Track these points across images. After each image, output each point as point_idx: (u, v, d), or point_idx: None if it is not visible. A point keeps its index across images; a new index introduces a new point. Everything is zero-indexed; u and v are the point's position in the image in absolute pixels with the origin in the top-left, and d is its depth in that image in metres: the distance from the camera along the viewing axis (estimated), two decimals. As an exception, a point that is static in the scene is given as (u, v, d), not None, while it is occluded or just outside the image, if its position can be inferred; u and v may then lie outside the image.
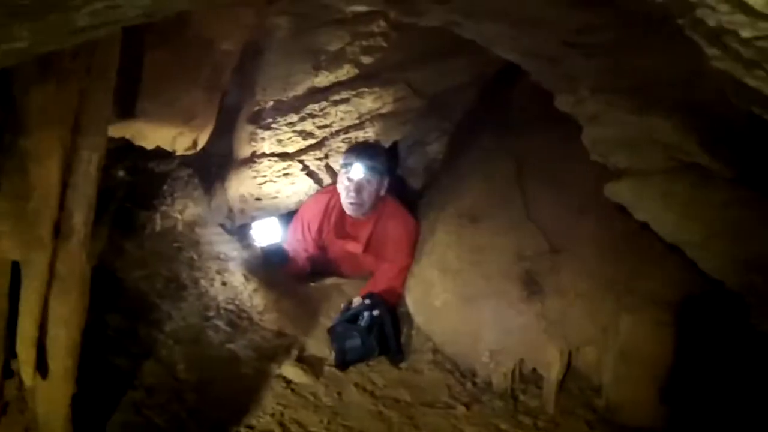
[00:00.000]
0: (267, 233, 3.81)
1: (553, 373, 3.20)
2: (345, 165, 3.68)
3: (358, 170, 3.62)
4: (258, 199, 3.74)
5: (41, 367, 2.34)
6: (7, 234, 2.38)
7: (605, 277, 3.24)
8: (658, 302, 3.21)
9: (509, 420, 3.12)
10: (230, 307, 3.31)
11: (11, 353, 2.51)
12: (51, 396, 2.38)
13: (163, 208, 3.64)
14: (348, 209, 3.74)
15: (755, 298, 2.38)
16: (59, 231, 2.32)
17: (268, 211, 3.83)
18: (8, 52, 1.57)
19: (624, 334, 3.22)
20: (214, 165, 3.81)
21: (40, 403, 2.40)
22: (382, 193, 3.76)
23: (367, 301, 3.36)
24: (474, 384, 3.29)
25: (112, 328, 3.01)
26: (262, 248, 3.78)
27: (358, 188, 3.65)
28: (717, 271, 2.46)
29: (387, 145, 3.85)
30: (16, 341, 2.39)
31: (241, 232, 3.81)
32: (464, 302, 3.35)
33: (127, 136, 3.19)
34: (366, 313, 3.29)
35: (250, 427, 2.80)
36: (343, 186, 3.70)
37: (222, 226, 3.72)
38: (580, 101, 2.35)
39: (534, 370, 3.28)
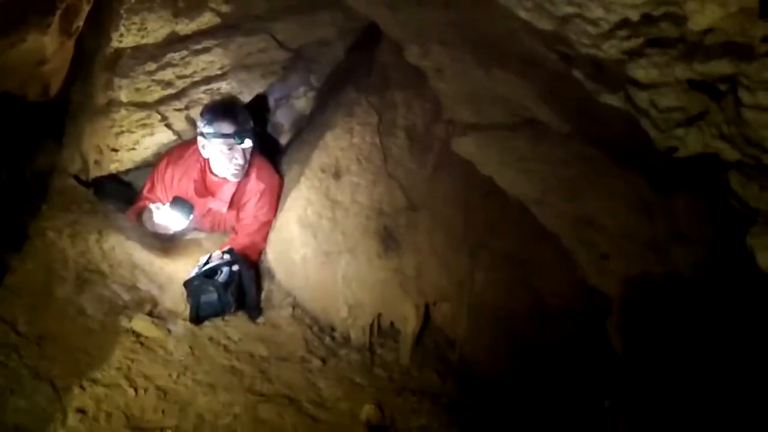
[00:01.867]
0: (169, 217, 3.64)
1: (408, 327, 3.28)
2: (218, 134, 3.53)
3: (233, 140, 3.53)
4: (114, 150, 3.59)
5: None
6: None
7: (460, 234, 3.33)
8: (510, 258, 3.32)
9: (364, 373, 3.18)
10: (80, 260, 3.18)
11: None
12: None
13: (11, 157, 3.45)
14: (232, 177, 3.63)
15: (586, 254, 2.49)
16: None
17: (124, 163, 3.68)
18: None
19: (477, 290, 3.32)
20: (69, 114, 3.63)
21: None
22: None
23: (226, 256, 3.30)
24: (332, 339, 3.33)
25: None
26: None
27: (241, 154, 3.59)
28: (554, 225, 2.55)
29: (250, 98, 3.76)
30: None
31: (95, 185, 3.65)
32: (323, 257, 3.36)
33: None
34: (225, 268, 3.23)
35: (94, 380, 2.71)
36: (218, 153, 3.57)
37: (76, 177, 3.55)
38: (427, 53, 2.37)
39: (392, 324, 3.35)
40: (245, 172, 3.68)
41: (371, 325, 3.31)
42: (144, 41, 3.51)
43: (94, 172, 3.61)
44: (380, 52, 3.61)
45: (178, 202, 3.59)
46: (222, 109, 3.58)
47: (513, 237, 3.31)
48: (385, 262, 3.27)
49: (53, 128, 3.59)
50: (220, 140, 3.53)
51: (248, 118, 3.60)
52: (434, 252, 3.32)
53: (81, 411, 2.60)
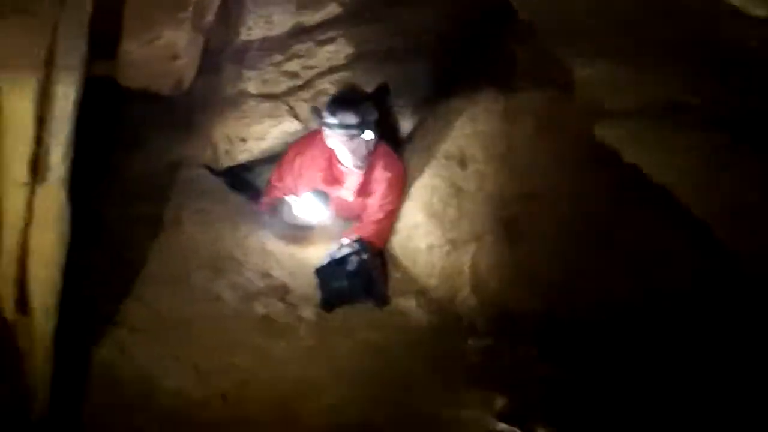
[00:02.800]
0: (309, 209, 3.71)
1: (534, 316, 3.22)
2: (341, 125, 3.52)
3: (355, 132, 3.52)
4: (243, 140, 3.70)
5: (22, 304, 2.34)
6: (-17, 172, 2.35)
7: (587, 225, 3.23)
8: (639, 251, 3.20)
9: (493, 363, 3.13)
10: (214, 247, 3.30)
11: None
12: (33, 332, 2.39)
13: (147, 148, 3.61)
14: (355, 168, 3.64)
15: (743, 245, 2.37)
16: (36, 168, 2.29)
17: (253, 153, 3.78)
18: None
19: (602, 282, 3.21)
20: (199, 106, 3.75)
21: (21, 338, 2.40)
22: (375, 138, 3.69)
23: (356, 245, 3.34)
24: (458, 328, 3.31)
25: (94, 267, 3.00)
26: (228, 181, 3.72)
27: (363, 145, 3.58)
28: (706, 215, 2.44)
29: (373, 87, 3.78)
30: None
31: (225, 174, 3.77)
32: (449, 246, 3.35)
33: (111, 76, 3.15)
34: (354, 257, 3.28)
35: (233, 365, 2.82)
36: (341, 144, 3.59)
37: (207, 167, 3.68)
38: (570, 40, 2.30)
39: (516, 312, 3.30)
40: (370, 162, 3.68)
41: (498, 316, 3.27)
42: (271, 34, 3.58)
43: (224, 162, 3.73)
44: (507, 38, 3.54)
45: (315, 193, 3.66)
46: (344, 101, 3.60)
47: (643, 228, 3.19)
48: (512, 251, 3.23)
49: (184, 120, 3.72)
50: (342, 131, 3.55)
51: (371, 110, 3.60)
52: (560, 242, 3.25)
53: (223, 395, 2.71)
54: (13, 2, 2.18)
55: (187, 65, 3.48)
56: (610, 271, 3.04)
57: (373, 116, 3.58)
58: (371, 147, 3.62)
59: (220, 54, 3.68)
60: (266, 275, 3.30)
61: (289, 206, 3.67)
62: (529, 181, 3.29)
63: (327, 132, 3.60)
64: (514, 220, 3.21)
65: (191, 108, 3.74)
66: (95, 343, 2.77)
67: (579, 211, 3.24)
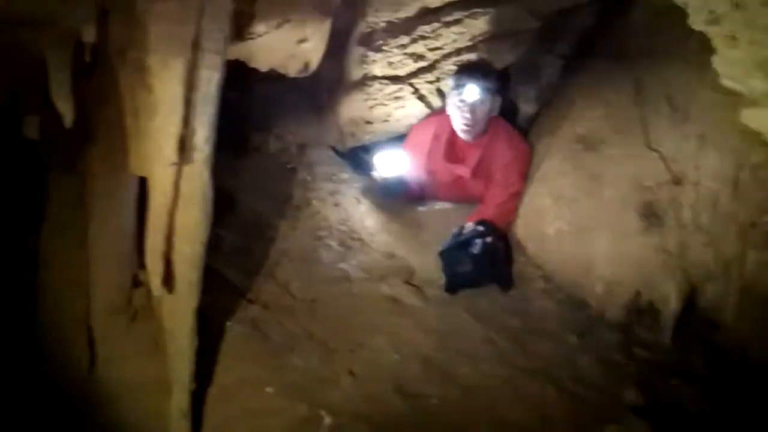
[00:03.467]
0: (391, 164, 3.73)
1: (670, 307, 3.10)
2: (457, 86, 3.54)
3: (472, 91, 3.49)
4: (368, 122, 3.73)
5: (168, 280, 2.44)
6: (134, 151, 2.47)
7: (729, 211, 3.07)
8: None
9: (624, 353, 3.06)
10: (342, 227, 3.35)
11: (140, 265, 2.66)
12: (177, 307, 2.49)
13: (276, 130, 3.69)
14: (461, 132, 3.62)
15: None
16: (183, 148, 2.38)
17: (378, 135, 3.81)
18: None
19: (748, 271, 3.06)
20: (325, 88, 3.80)
21: (166, 314, 2.52)
22: (495, 113, 3.64)
23: (480, 228, 3.31)
24: (587, 315, 3.23)
25: (228, 245, 3.11)
26: (382, 179, 3.73)
27: (472, 110, 3.53)
28: None
29: (499, 68, 3.71)
30: (145, 254, 2.51)
31: (351, 155, 3.81)
32: (579, 231, 3.26)
33: (242, 59, 3.23)
34: (478, 240, 3.24)
35: (361, 344, 2.85)
36: (455, 108, 3.58)
37: (333, 148, 3.73)
38: (716, 19, 2.17)
39: (650, 303, 3.18)
40: (490, 139, 3.63)
41: (628, 303, 3.17)
42: (397, 15, 3.58)
43: (350, 143, 3.77)
44: (637, 17, 3.40)
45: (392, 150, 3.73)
46: (469, 65, 3.61)
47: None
48: (646, 238, 3.10)
49: (311, 102, 3.78)
50: (455, 91, 3.54)
51: (491, 78, 3.55)
52: (699, 229, 3.10)
53: (351, 373, 2.75)
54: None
55: (314, 48, 3.53)
56: (759, 259, 2.89)
57: (492, 85, 3.53)
58: (481, 114, 3.56)
59: (347, 36, 3.71)
60: (391, 255, 3.32)
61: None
62: (664, 165, 3.16)
63: (448, 99, 3.59)
64: (651, 205, 3.08)
65: (318, 90, 3.81)
66: (230, 318, 2.86)
67: (719, 196, 3.09)
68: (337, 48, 3.71)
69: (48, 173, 2.81)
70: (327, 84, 3.81)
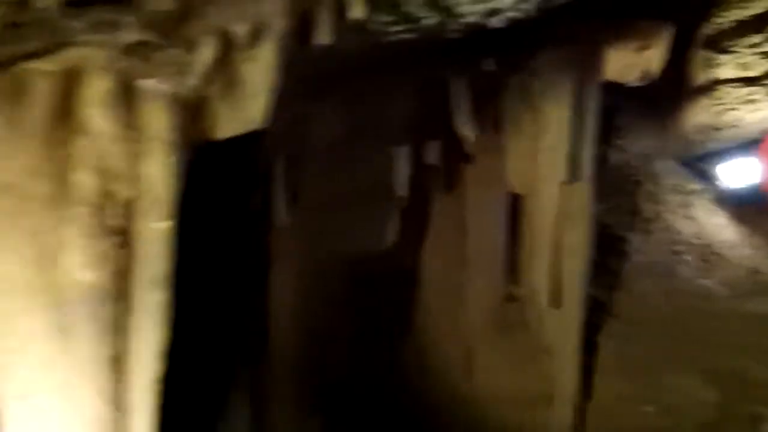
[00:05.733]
0: (743, 173, 3.52)
1: None
2: None
3: None
4: (716, 129, 3.53)
5: (555, 296, 2.50)
6: (515, 170, 2.56)
7: None
8: None
9: None
10: (697, 241, 3.21)
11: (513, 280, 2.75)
12: (562, 323, 2.54)
13: (615, 141, 3.63)
14: None
15: None
16: (572, 167, 2.43)
17: (726, 142, 3.59)
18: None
19: None
20: (665, 94, 3.66)
21: (550, 329, 2.58)
22: None
23: None
24: None
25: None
26: (736, 189, 3.52)
27: None
28: None
29: None
30: (520, 269, 2.59)
31: (698, 164, 3.64)
32: None
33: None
34: None
35: (732, 366, 2.70)
36: None
37: (679, 158, 3.59)
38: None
39: None
40: None
41: None
42: (745, 14, 3.35)
43: (696, 152, 3.60)
44: None
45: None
46: None
47: None
48: None
49: (654, 110, 3.66)
50: None
51: None
52: None
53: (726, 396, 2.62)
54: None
55: (655, 54, 3.43)
56: None
57: None
58: None
59: (687, 39, 3.55)
60: (754, 271, 3.11)
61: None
62: None
63: None
64: None
65: (657, 97, 3.68)
66: (598, 334, 2.86)
67: None
68: (675, 51, 3.58)
69: (429, 195, 2.95)
70: (667, 90, 3.67)
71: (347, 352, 2.91)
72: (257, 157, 2.59)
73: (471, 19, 1.66)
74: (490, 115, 2.48)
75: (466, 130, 2.44)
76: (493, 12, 1.64)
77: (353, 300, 2.88)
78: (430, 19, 1.62)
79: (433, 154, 2.66)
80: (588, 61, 2.44)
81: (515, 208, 2.72)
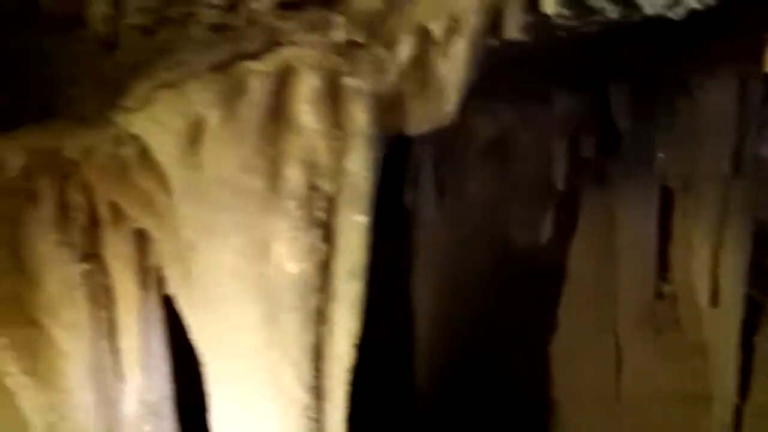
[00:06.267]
0: None
1: None
2: None
3: None
4: None
5: (714, 295, 2.42)
6: (676, 165, 2.49)
7: None
8: None
9: None
10: None
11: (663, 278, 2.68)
12: (721, 322, 2.46)
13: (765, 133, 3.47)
14: None
15: None
16: (734, 162, 2.34)
17: None
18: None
19: None
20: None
21: (708, 328, 2.50)
22: None
23: None
24: None
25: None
26: None
27: None
28: None
29: None
30: (671, 267, 2.52)
31: None
32: None
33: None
34: None
35: None
36: None
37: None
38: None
39: None
40: None
41: None
42: None
43: None
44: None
45: None
46: None
47: None
48: None
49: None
50: None
51: None
52: None
53: None
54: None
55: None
56: None
57: None
58: None
59: None
60: None
61: None
62: None
63: None
64: None
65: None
66: (756, 334, 2.74)
67: None
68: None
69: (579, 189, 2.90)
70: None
71: (492, 352, 2.91)
72: (407, 152, 2.62)
73: (652, 11, 1.61)
74: (646, 107, 2.42)
75: (623, 123, 2.38)
76: (677, 2, 1.59)
77: (502, 295, 2.87)
78: (612, 12, 1.59)
79: (588, 147, 2.62)
80: (752, 53, 2.33)
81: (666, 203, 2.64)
